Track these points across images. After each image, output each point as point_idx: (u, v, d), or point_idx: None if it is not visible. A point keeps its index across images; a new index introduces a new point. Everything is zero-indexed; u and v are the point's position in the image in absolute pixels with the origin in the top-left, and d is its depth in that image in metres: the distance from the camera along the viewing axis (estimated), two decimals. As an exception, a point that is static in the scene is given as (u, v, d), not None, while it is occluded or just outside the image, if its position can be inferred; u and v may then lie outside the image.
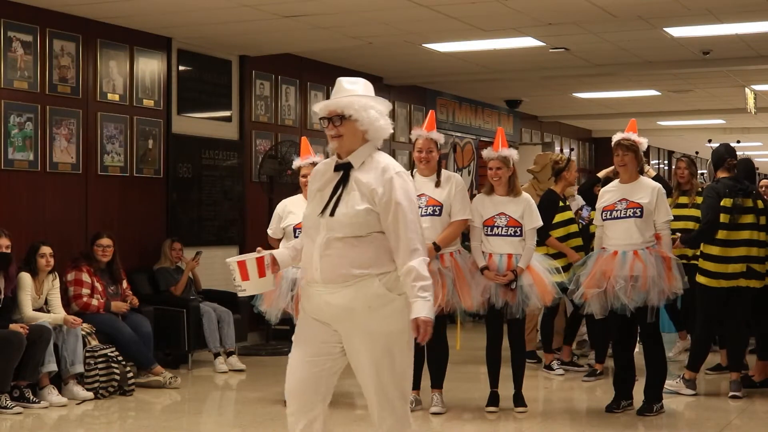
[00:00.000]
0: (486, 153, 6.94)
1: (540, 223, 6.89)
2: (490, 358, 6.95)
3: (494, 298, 6.72)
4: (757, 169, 8.41)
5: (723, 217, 7.30)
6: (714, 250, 7.29)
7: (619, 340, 6.93)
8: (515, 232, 6.77)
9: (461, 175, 14.89)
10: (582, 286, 6.71)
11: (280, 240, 7.02)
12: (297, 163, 7.20)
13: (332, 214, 3.98)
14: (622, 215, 6.66)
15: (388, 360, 3.98)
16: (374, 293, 3.95)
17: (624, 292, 6.52)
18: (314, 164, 7.01)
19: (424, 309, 3.86)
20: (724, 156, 7.51)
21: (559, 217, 8.22)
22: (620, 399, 6.88)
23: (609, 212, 6.74)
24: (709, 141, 8.92)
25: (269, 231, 7.16)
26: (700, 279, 7.27)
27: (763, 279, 7.42)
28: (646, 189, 6.70)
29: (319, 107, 4.14)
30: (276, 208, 7.16)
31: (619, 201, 6.70)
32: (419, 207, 6.70)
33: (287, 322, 7.09)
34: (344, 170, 4.06)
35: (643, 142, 6.79)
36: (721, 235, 7.31)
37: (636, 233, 6.61)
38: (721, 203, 7.29)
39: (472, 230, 6.87)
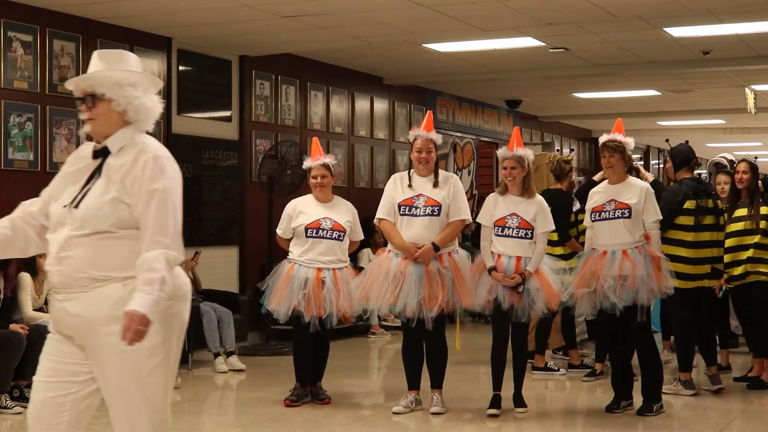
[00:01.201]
0: (501, 152, 6.84)
1: (552, 227, 6.82)
2: (495, 358, 6.83)
3: (501, 298, 6.63)
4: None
5: (687, 220, 7.34)
6: (683, 252, 7.30)
7: (613, 340, 6.89)
8: (526, 234, 6.66)
9: (461, 175, 14.94)
10: (571, 286, 6.72)
11: (290, 240, 7.15)
12: (307, 163, 7.26)
13: (77, 205, 3.38)
14: (610, 216, 6.65)
15: (135, 382, 3.43)
16: (116, 300, 3.30)
17: (613, 291, 6.50)
18: (325, 165, 7.15)
19: (138, 302, 3.18)
20: (689, 156, 7.53)
21: (572, 217, 8.24)
22: (620, 399, 6.86)
23: (598, 213, 6.73)
24: (667, 140, 8.83)
25: (279, 231, 7.25)
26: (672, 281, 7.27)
27: (720, 278, 7.66)
28: (635, 189, 6.68)
29: (70, 85, 3.52)
30: (286, 208, 7.25)
31: (607, 202, 6.68)
32: (417, 207, 6.73)
33: (291, 322, 7.13)
34: (102, 157, 3.45)
35: (630, 142, 6.76)
36: (690, 237, 7.34)
37: (625, 233, 6.61)
38: (685, 205, 7.34)
39: (483, 230, 6.80)
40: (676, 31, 9.66)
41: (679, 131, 19.55)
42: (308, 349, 7.12)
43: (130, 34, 9.13)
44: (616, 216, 6.63)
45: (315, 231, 7.03)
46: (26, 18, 8.19)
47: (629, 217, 6.60)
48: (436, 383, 6.90)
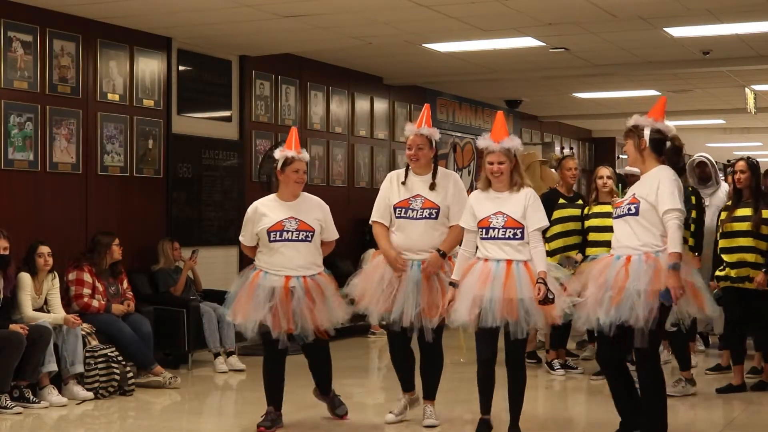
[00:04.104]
0: (484, 143, 5.97)
1: (546, 222, 5.90)
2: (482, 383, 5.89)
3: (486, 314, 5.64)
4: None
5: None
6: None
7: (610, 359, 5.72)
8: (515, 234, 5.73)
9: (461, 176, 14.94)
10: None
11: (255, 248, 6.40)
12: (284, 153, 6.34)
13: None
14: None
15: None
16: None
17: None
18: (305, 160, 6.36)
19: None
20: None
21: (556, 214, 8.23)
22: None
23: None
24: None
25: (241, 238, 6.47)
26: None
27: None
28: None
29: None
30: (247, 212, 6.44)
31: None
32: (414, 209, 6.23)
33: (261, 337, 6.39)
34: None
35: (671, 128, 5.73)
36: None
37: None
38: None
39: (465, 234, 5.96)
40: (676, 31, 9.65)
41: (679, 131, 19.47)
42: (279, 368, 6.41)
43: (130, 34, 9.14)
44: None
45: (278, 234, 6.22)
46: (26, 18, 8.18)
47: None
48: (430, 394, 6.45)
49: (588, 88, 14.03)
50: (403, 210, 6.31)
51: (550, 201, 8.30)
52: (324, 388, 6.66)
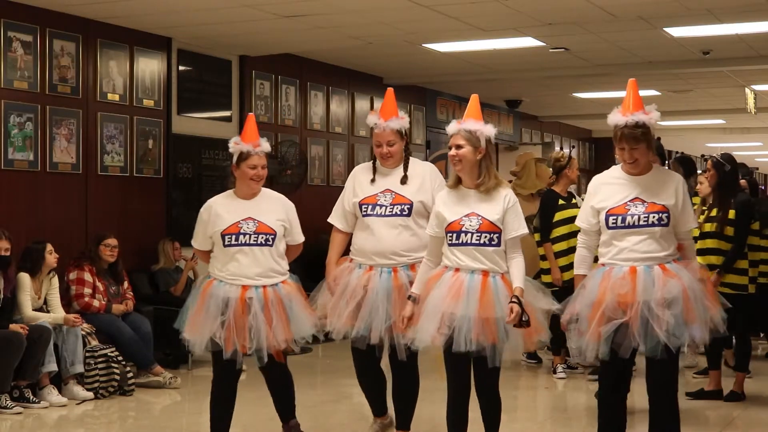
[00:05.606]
0: (450, 128, 5.06)
1: (526, 230, 4.95)
2: (452, 419, 4.94)
3: (459, 336, 4.69)
4: (757, 168, 8.36)
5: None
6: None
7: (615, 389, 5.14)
8: (490, 240, 4.80)
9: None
10: None
11: (209, 252, 5.52)
12: (239, 147, 5.43)
13: None
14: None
15: None
16: None
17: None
18: (266, 153, 5.48)
19: None
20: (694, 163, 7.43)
21: (559, 215, 8.19)
22: None
23: None
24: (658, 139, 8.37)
25: (194, 243, 5.61)
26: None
27: None
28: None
29: None
30: (201, 211, 5.55)
31: None
32: (382, 205, 5.42)
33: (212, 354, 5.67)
34: None
35: (655, 116, 4.83)
36: None
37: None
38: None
39: (430, 241, 5.06)
40: (676, 31, 9.66)
41: (679, 131, 19.56)
42: (229, 396, 5.76)
43: (130, 34, 9.14)
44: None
45: (234, 237, 5.34)
46: (26, 18, 8.19)
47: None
48: (404, 424, 5.59)
49: (588, 88, 14.03)
50: (371, 206, 5.46)
51: (551, 202, 8.28)
52: (284, 416, 5.76)
